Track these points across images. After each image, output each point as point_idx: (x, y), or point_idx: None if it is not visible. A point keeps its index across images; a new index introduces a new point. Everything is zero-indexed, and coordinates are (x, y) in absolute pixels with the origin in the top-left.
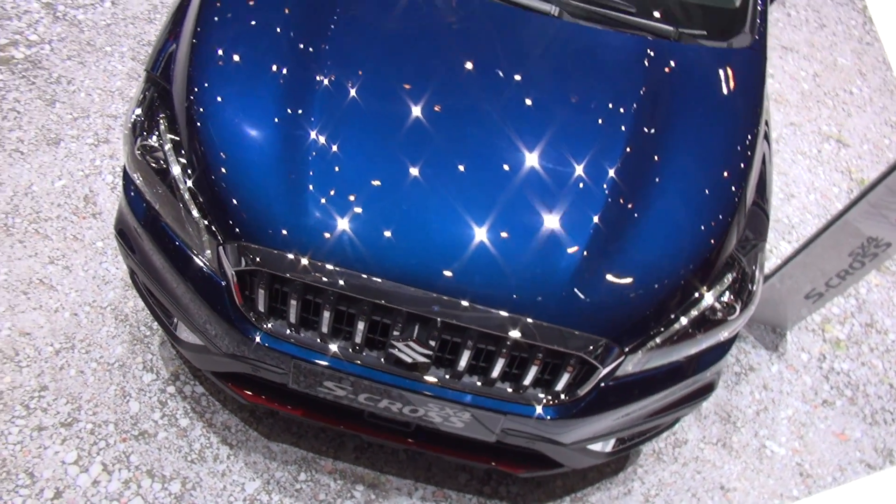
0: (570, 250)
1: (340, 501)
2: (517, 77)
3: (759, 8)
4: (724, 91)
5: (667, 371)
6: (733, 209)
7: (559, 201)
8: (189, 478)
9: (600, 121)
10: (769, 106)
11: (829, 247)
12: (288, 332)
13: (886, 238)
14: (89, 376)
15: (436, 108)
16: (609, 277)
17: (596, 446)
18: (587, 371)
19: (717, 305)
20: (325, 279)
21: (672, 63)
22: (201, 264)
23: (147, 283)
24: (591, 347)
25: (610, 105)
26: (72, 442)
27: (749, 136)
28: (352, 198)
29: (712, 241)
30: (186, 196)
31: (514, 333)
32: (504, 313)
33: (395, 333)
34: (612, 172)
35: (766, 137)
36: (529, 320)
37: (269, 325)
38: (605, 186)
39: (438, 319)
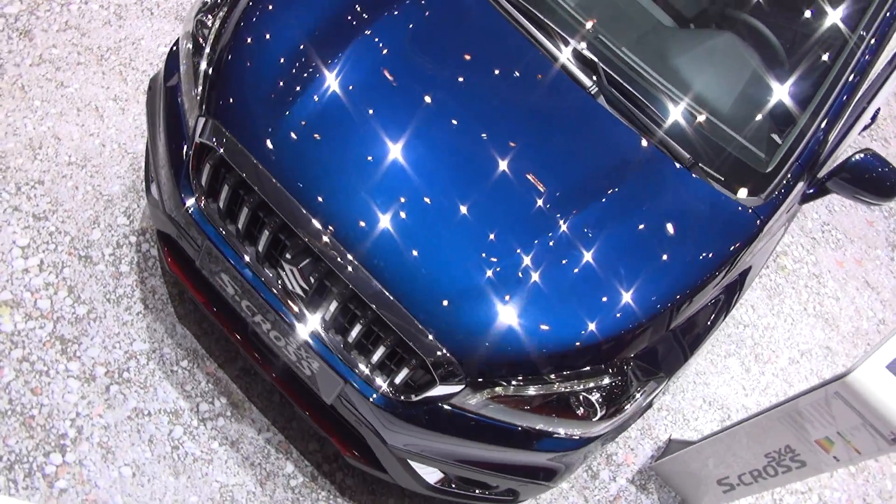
0: (473, 270)
1: (200, 400)
2: (518, 119)
3: (788, 183)
4: (694, 224)
5: (504, 428)
6: (639, 322)
7: (493, 225)
8: (96, 310)
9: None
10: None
11: (750, 436)
12: (215, 215)
13: (802, 455)
14: (79, 194)
15: (427, 100)
16: (492, 310)
17: (419, 468)
18: (428, 382)
19: (581, 399)
20: (257, 181)
21: (662, 176)
22: (184, 130)
23: (148, 136)
24: (437, 358)
25: (581, 182)
26: (31, 232)
27: (697, 277)
28: (316, 136)
29: (603, 336)
30: (202, 67)
31: (380, 308)
32: (380, 287)
33: (288, 256)
34: (559, 228)
35: (729, 302)
36: (397, 303)
37: (203, 202)
38: (539, 238)
39: (326, 263)
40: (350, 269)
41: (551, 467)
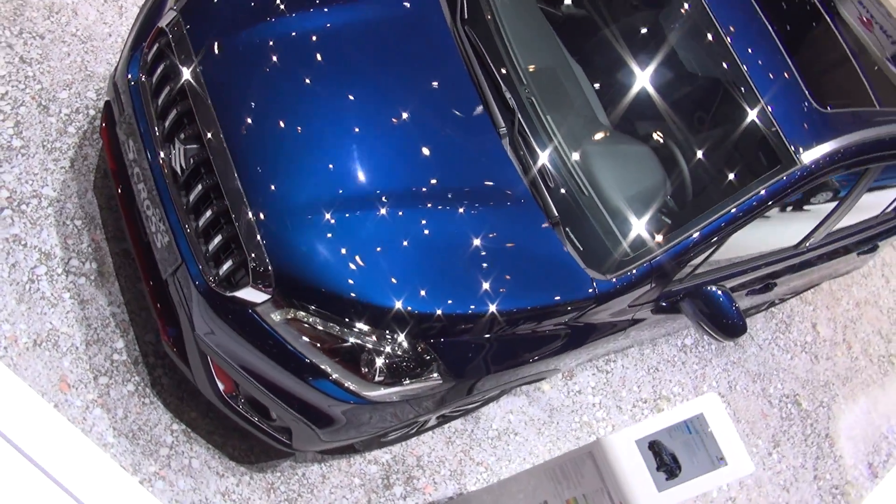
0: (328, 203)
1: (74, 257)
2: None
3: (633, 276)
4: (533, 264)
5: (292, 353)
6: (449, 312)
7: (363, 177)
8: (29, 149)
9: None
10: None
11: (524, 490)
12: (147, 91)
13: None
14: (68, 60)
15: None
16: (326, 244)
17: (215, 372)
18: (243, 281)
19: (368, 359)
20: (186, 70)
21: (527, 217)
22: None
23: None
24: (259, 264)
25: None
26: (11, 67)
27: (516, 305)
28: (253, 59)
29: (410, 309)
30: None
31: (231, 200)
32: (239, 184)
33: (182, 137)
34: (418, 207)
35: None
36: (247, 202)
37: (143, 78)
38: (398, 207)
39: (206, 151)
40: (221, 161)
41: (327, 413)
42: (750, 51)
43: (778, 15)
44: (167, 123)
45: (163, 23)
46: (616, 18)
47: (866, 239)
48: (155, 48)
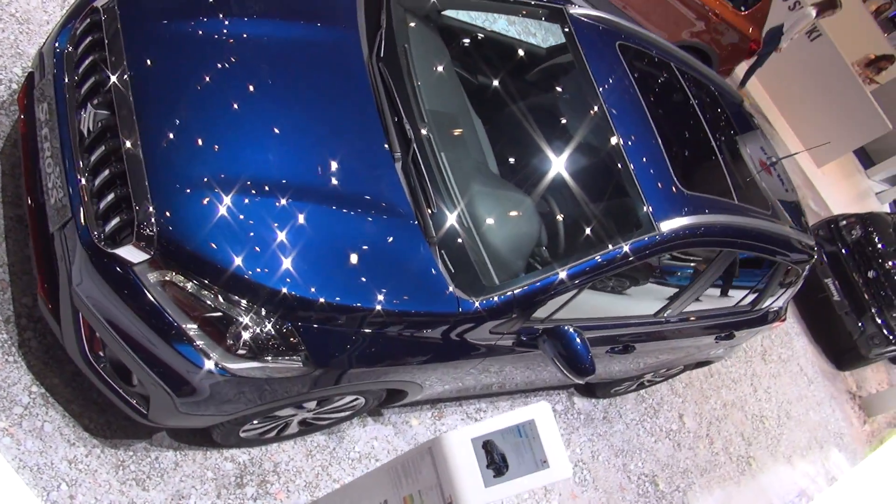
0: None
1: None
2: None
3: (496, 302)
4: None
5: (160, 314)
6: (314, 298)
7: (267, 157)
8: None
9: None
10: None
11: (362, 490)
12: (71, 60)
13: None
14: (1, 36)
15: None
16: (216, 212)
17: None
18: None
19: (234, 332)
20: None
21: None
22: None
23: None
24: (145, 225)
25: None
26: None
27: (380, 305)
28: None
29: (279, 286)
30: None
31: (129, 163)
32: (140, 149)
33: (95, 102)
34: (311, 197)
35: None
36: (144, 163)
37: (70, 46)
38: (293, 191)
39: (115, 117)
40: (128, 128)
41: (188, 381)
42: (628, 131)
43: (657, 108)
44: (83, 90)
45: (98, 3)
46: (517, 86)
47: (723, 325)
48: (86, 23)
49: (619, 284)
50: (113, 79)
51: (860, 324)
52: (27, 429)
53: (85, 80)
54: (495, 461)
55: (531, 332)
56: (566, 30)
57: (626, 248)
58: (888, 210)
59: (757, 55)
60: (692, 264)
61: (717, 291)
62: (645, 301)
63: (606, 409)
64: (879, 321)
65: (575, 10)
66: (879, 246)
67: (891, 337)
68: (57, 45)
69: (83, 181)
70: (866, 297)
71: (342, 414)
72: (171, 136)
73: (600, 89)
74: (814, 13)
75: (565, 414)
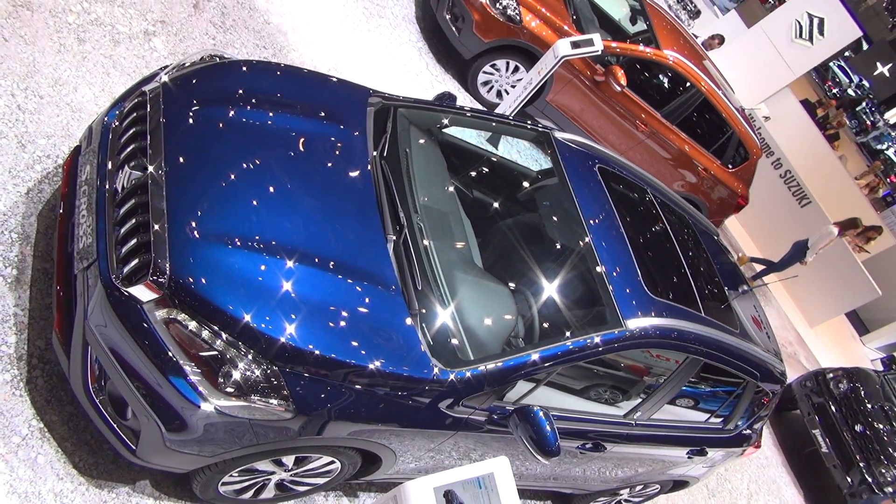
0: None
1: None
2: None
3: (470, 375)
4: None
5: (160, 348)
6: (304, 349)
7: (283, 215)
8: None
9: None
10: None
11: None
12: (116, 132)
13: None
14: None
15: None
16: (229, 261)
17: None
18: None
19: (228, 368)
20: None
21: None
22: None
23: None
24: (160, 267)
25: None
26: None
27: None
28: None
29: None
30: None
31: (154, 213)
32: (164, 209)
33: (132, 164)
34: (313, 256)
35: None
36: (167, 214)
37: (116, 121)
38: (295, 249)
39: (150, 182)
40: (156, 186)
41: (178, 415)
42: (602, 238)
43: (631, 223)
44: (123, 154)
45: (147, 88)
46: (504, 195)
47: (694, 439)
48: (134, 102)
49: (595, 391)
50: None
51: (848, 479)
52: (22, 458)
53: (125, 148)
54: None
55: (502, 412)
56: (550, 150)
57: (595, 339)
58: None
59: (780, 262)
60: (659, 370)
61: (687, 408)
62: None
63: None
64: (868, 477)
65: (560, 135)
66: (867, 404)
67: (879, 492)
68: (106, 119)
69: (109, 230)
70: (854, 451)
71: (318, 480)
72: (192, 197)
73: (578, 201)
74: (836, 231)
75: None
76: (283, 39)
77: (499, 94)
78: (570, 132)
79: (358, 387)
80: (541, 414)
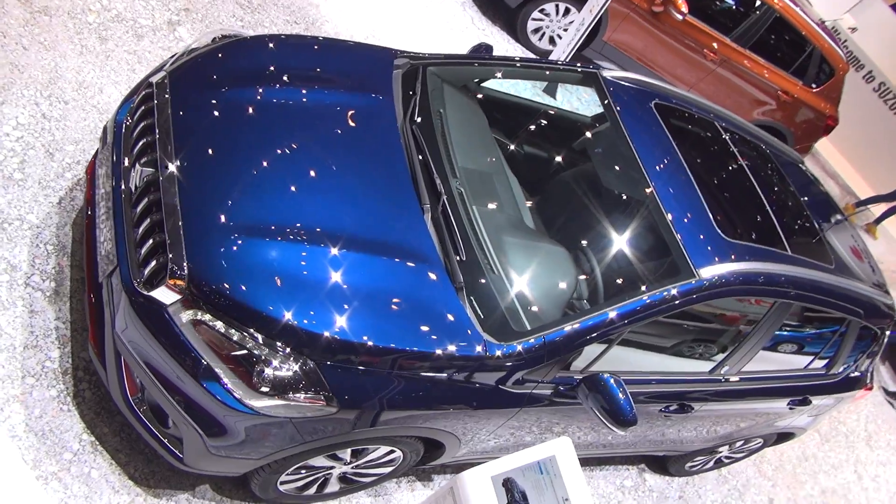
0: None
1: (36, 272)
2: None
3: (527, 345)
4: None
5: (192, 354)
6: (342, 338)
7: (300, 204)
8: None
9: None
10: None
11: None
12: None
13: None
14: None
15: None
16: (249, 256)
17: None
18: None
19: (260, 372)
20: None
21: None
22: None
23: None
24: (177, 266)
25: None
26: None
27: (408, 346)
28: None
29: (307, 327)
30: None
31: (167, 212)
32: (177, 200)
33: (143, 160)
34: (341, 246)
35: None
36: (180, 212)
37: (128, 118)
38: (323, 239)
39: (158, 173)
40: (168, 181)
41: (216, 420)
42: (665, 183)
43: (698, 162)
44: (135, 151)
45: (153, 78)
46: (555, 148)
47: (794, 389)
48: (141, 96)
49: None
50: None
51: None
52: (75, 474)
53: (137, 143)
54: (516, 499)
55: (569, 382)
56: (599, 91)
57: (673, 292)
58: None
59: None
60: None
61: (787, 353)
62: (688, 361)
63: (683, 489)
64: None
65: (608, 74)
66: None
67: None
68: (118, 118)
69: (128, 232)
70: None
71: (383, 470)
72: (208, 189)
73: (635, 144)
74: None
75: (635, 491)
76: (314, 12)
77: (551, 41)
78: (635, 71)
79: (404, 372)
80: (612, 381)
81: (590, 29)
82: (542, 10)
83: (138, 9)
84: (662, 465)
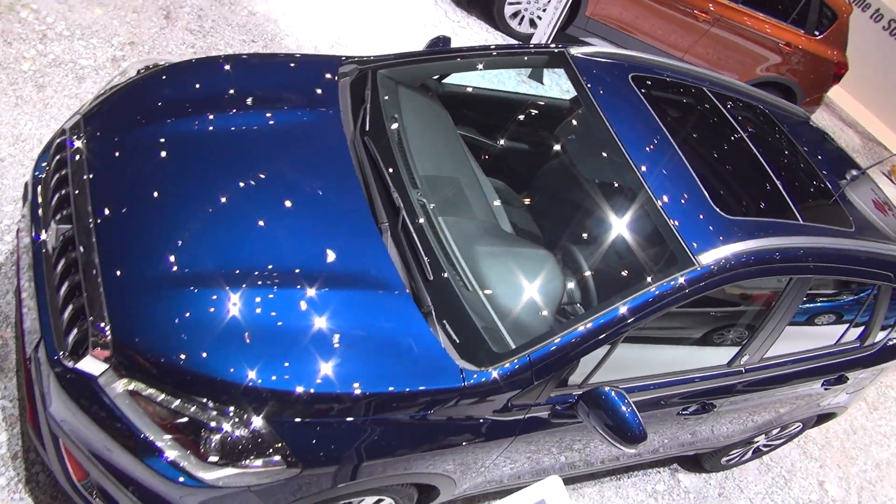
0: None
1: None
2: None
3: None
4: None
5: (130, 428)
6: (292, 390)
7: (229, 250)
8: None
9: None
10: None
11: None
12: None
13: None
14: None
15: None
16: (176, 313)
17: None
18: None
19: (206, 439)
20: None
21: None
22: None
23: None
24: (99, 332)
25: None
26: None
27: (375, 389)
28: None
29: (254, 383)
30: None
31: (86, 272)
32: (96, 256)
33: (57, 217)
34: (284, 286)
35: None
36: (100, 274)
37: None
38: (259, 281)
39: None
40: (85, 236)
41: (162, 496)
42: (649, 163)
43: (687, 134)
44: (52, 206)
45: (66, 125)
46: (528, 140)
47: (828, 367)
48: (55, 144)
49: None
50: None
51: None
52: None
53: (53, 198)
54: None
55: (567, 400)
56: (570, 72)
57: (654, 291)
58: None
59: None
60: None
61: (813, 328)
62: (710, 351)
63: (722, 484)
64: None
65: (577, 51)
66: None
67: None
68: (37, 172)
69: (50, 298)
70: None
71: None
72: (130, 240)
73: (613, 124)
74: None
75: (669, 494)
76: (273, 27)
77: (532, 24)
78: (625, 45)
79: (373, 417)
80: (613, 394)
81: (569, 5)
82: None
83: (78, 49)
84: (696, 462)
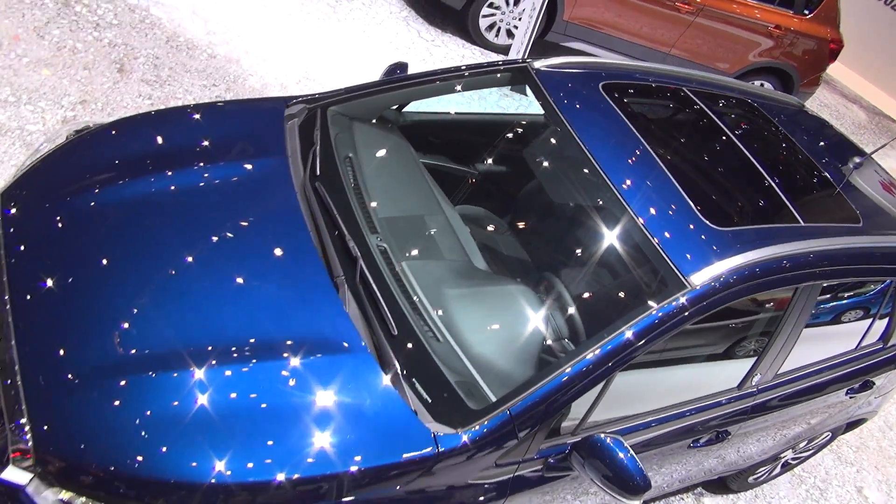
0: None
1: None
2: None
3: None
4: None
5: None
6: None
7: (153, 334)
8: None
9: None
10: None
11: None
12: None
13: None
14: None
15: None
16: (125, 416)
17: None
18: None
19: None
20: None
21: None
22: None
23: None
24: (17, 439)
25: None
26: None
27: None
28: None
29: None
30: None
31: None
32: (14, 358)
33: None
34: (228, 369)
35: None
36: (18, 377)
37: None
38: (208, 367)
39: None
40: (2, 330)
41: None
42: (628, 179)
43: (669, 142)
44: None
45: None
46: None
47: (850, 375)
48: None
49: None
50: None
51: None
52: None
53: None
54: None
55: (560, 451)
56: (534, 87)
57: (682, 299)
58: None
59: None
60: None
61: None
62: (716, 373)
63: None
64: None
65: (542, 63)
66: None
67: None
68: None
69: None
70: None
71: None
72: (52, 329)
73: (584, 140)
74: None
75: None
76: (235, 68)
77: (509, 34)
78: (607, 46)
79: (337, 501)
80: (608, 441)
81: (544, 11)
82: (490, 5)
83: (25, 115)
84: (721, 484)
